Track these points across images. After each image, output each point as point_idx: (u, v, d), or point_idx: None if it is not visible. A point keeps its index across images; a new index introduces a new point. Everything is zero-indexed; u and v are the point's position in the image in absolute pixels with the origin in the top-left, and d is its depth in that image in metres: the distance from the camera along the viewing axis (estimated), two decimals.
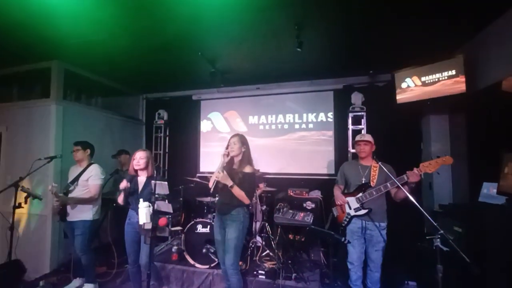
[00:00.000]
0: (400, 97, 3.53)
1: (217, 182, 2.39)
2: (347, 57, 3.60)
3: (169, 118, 5.24)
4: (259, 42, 3.19)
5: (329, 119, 4.44)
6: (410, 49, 3.19)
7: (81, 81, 4.15)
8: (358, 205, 2.45)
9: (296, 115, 4.61)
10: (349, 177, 2.61)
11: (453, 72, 3.08)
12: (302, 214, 3.11)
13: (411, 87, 3.43)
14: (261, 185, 3.81)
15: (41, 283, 3.13)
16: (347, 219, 2.50)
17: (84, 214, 2.96)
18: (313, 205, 3.50)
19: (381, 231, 2.40)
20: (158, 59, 3.70)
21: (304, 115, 4.56)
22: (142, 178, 2.67)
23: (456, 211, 2.82)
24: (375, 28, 2.83)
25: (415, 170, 2.21)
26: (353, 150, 3.87)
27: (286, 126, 4.65)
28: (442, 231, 1.81)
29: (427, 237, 1.99)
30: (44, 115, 3.68)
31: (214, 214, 3.39)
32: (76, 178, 3.00)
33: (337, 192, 2.66)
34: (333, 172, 4.22)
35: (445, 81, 3.15)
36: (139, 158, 2.62)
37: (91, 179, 3.00)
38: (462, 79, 3.01)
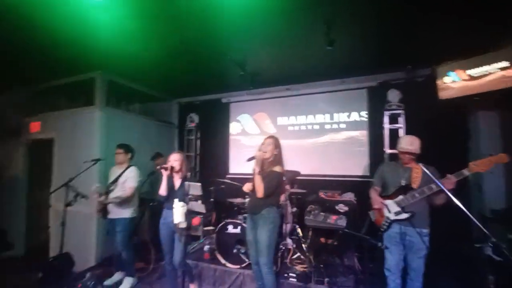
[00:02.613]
0: (443, 93, 3.26)
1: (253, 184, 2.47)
2: (382, 52, 3.42)
3: (200, 121, 5.40)
4: (289, 42, 3.17)
5: (362, 119, 4.24)
6: (453, 40, 2.93)
7: (121, 89, 4.45)
8: (399, 209, 2.29)
9: (327, 115, 4.47)
10: (388, 179, 2.46)
11: (505, 63, 2.77)
12: (334, 217, 3.00)
13: (456, 81, 3.15)
14: (287, 187, 3.75)
15: (87, 275, 3.39)
16: (387, 224, 2.35)
17: (123, 212, 3.17)
18: (346, 208, 3.36)
19: (423, 237, 2.22)
20: (190, 65, 3.84)
21: (336, 115, 4.42)
22: (176, 179, 2.79)
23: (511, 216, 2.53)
24: (412, 20, 2.66)
25: (452, 176, 2.06)
26: (390, 151, 3.67)
27: (316, 127, 4.54)
28: (495, 240, 1.63)
29: (476, 245, 1.81)
30: (89, 121, 4.02)
31: (244, 215, 3.43)
32: (116, 179, 3.22)
33: (374, 194, 2.52)
34: (367, 173, 4.02)
35: (495, 74, 2.85)
36: (173, 160, 2.73)
37: (128, 181, 3.20)
38: None
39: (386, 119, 3.84)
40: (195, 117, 5.39)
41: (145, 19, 2.66)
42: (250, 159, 2.40)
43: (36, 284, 3.02)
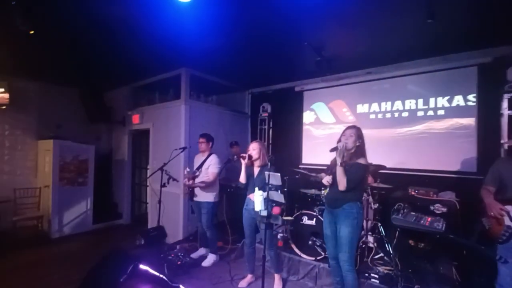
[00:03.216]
0: None
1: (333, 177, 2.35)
2: (500, 18, 2.66)
3: (272, 111, 5.41)
4: (377, 21, 2.79)
5: (469, 103, 3.46)
6: None
7: (200, 82, 4.78)
8: None
9: (420, 101, 3.81)
10: (508, 179, 1.99)
11: None
12: (429, 219, 2.58)
13: None
14: (371, 180, 3.42)
15: (177, 247, 3.88)
16: (507, 234, 1.91)
17: (208, 196, 3.49)
18: (444, 209, 2.87)
19: None
20: (265, 55, 3.81)
21: (432, 99, 3.72)
22: (255, 167, 2.89)
23: None
24: None
25: None
26: (510, 143, 2.93)
27: (405, 114, 3.94)
28: None
29: None
30: (177, 113, 4.48)
31: (319, 207, 3.32)
32: (200, 166, 3.55)
33: (489, 198, 2.06)
34: (473, 170, 3.33)
35: None
36: (252, 149, 2.83)
37: (210, 167, 3.50)
38: None
39: (505, 104, 3.04)
40: (268, 107, 5.41)
41: (223, 13, 2.72)
42: (332, 150, 2.28)
43: (139, 248, 3.61)
